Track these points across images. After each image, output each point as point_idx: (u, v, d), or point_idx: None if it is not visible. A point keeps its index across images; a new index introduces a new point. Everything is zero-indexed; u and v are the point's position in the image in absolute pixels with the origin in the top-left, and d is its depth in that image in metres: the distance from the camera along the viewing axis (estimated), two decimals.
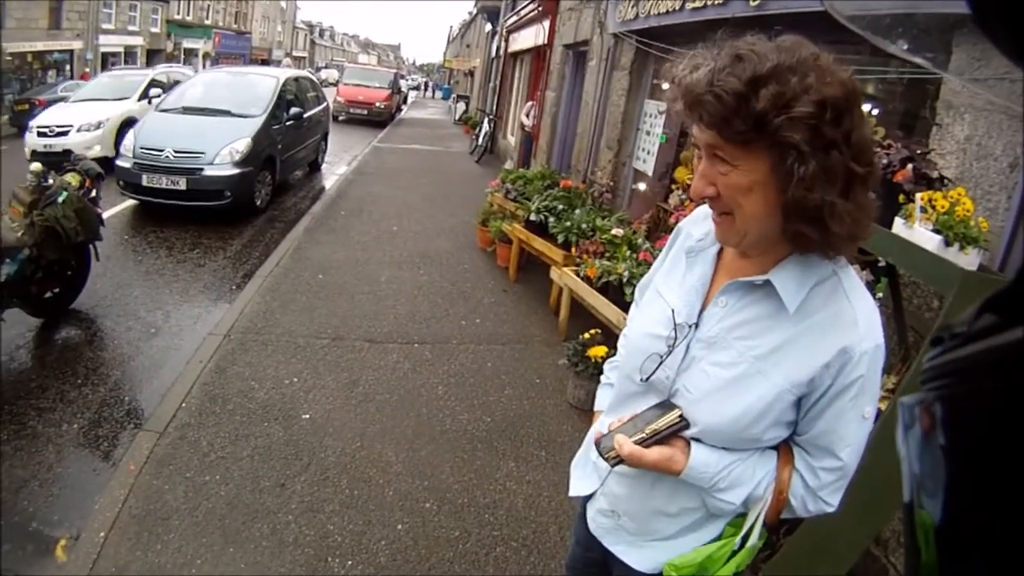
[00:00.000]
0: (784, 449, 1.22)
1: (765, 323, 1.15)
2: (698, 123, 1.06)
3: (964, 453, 0.38)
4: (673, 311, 1.25)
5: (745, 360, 1.15)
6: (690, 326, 1.22)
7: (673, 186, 6.37)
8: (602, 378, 1.58)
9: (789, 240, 1.10)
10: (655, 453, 1.17)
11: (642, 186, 7.01)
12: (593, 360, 4.07)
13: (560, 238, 5.70)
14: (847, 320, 1.10)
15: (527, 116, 12.28)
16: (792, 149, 0.99)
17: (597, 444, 1.25)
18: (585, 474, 1.49)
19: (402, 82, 33.29)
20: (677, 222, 5.89)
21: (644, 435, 1.19)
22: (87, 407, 3.88)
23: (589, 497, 1.47)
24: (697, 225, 1.32)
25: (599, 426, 1.41)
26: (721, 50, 1.03)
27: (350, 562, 2.74)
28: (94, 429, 3.69)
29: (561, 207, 6.06)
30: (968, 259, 2.00)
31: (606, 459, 1.22)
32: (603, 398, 1.53)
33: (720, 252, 1.27)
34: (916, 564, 0.41)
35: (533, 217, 6.12)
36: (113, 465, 3.35)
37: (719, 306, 1.20)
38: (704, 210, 1.30)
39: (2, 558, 2.74)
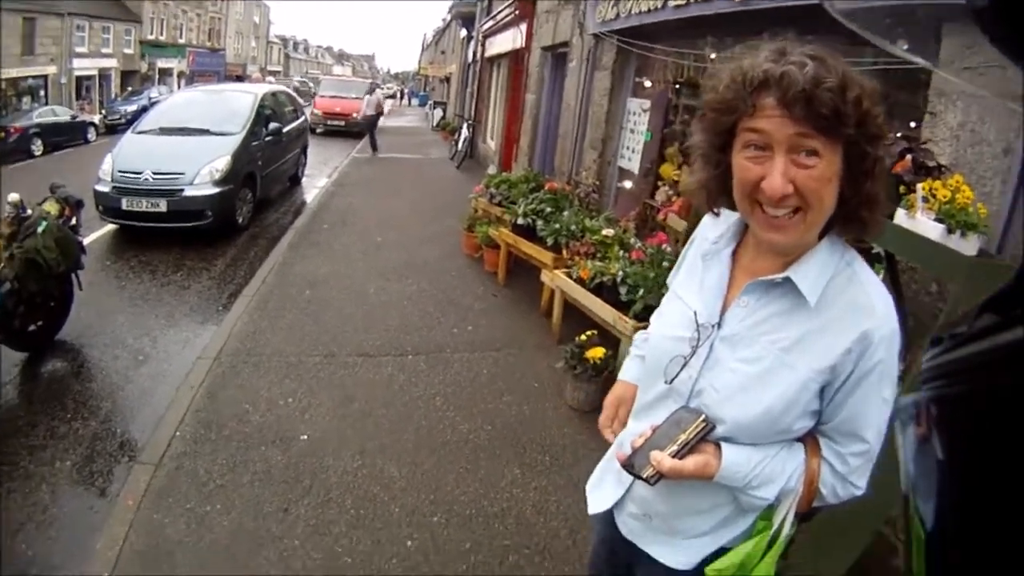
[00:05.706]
0: (810, 440, 1.24)
1: (786, 317, 1.18)
2: (793, 118, 1.04)
3: (957, 454, 0.39)
4: (695, 312, 1.28)
5: (770, 354, 1.18)
6: (713, 326, 1.25)
7: (659, 183, 6.37)
8: (632, 349, 1.60)
9: (843, 224, 1.17)
10: (691, 463, 1.19)
11: (628, 184, 7.01)
12: (592, 361, 4.04)
13: (549, 240, 5.67)
14: (865, 307, 1.14)
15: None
16: (875, 141, 1.08)
17: (628, 465, 1.24)
18: (604, 487, 1.49)
19: (378, 91, 33.36)
20: (665, 219, 5.83)
21: (676, 447, 1.19)
22: (79, 442, 3.79)
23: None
24: (711, 229, 1.35)
25: (621, 438, 1.42)
26: (775, 48, 1.09)
27: None
28: (88, 465, 3.60)
29: (548, 209, 6.03)
30: (968, 245, 2.04)
31: (645, 479, 1.21)
32: (631, 368, 1.56)
33: (735, 253, 1.29)
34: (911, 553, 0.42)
35: (521, 221, 6.09)
36: (110, 501, 3.26)
37: (741, 306, 1.23)
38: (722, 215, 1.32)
39: None
